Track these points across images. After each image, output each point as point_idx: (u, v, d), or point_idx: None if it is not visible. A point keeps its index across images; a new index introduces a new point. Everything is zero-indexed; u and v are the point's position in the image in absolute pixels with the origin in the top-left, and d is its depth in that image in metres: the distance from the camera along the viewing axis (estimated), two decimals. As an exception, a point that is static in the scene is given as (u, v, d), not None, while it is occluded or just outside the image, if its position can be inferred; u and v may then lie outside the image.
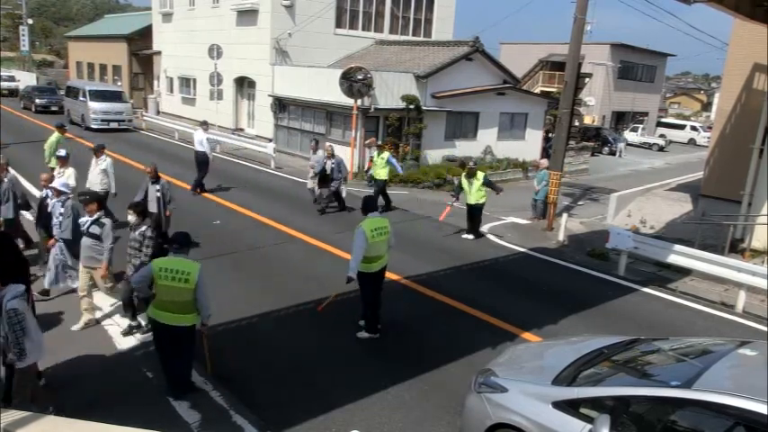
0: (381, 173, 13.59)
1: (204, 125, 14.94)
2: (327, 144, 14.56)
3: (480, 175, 11.84)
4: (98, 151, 10.66)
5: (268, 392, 5.90)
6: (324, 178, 13.28)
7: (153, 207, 9.28)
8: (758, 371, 4.24)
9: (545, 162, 14.93)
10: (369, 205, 7.15)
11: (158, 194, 9.37)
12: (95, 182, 10.45)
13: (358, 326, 7.30)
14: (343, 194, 13.62)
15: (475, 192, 11.82)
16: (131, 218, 6.65)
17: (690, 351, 4.89)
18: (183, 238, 5.65)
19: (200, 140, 14.38)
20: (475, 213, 12.04)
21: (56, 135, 12.54)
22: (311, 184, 13.74)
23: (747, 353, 4.50)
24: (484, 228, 12.97)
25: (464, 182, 11.98)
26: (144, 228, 6.66)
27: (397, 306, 8.29)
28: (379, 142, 15.51)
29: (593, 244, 12.08)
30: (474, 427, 4.72)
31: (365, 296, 7.17)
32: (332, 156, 13.36)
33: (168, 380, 5.72)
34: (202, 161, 14.46)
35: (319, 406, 5.66)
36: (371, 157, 16.99)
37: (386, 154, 13.77)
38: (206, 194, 14.40)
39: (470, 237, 12.02)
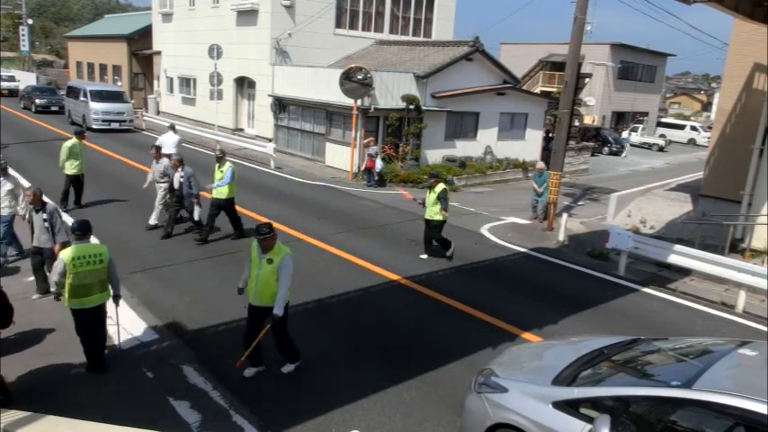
0: (222, 190, 10.41)
1: (172, 128, 14.47)
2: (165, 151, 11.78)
3: (438, 187, 10.17)
4: (4, 171, 8.90)
5: (268, 392, 5.90)
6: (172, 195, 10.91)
7: (44, 242, 7.46)
8: (758, 371, 4.24)
9: (542, 164, 15.02)
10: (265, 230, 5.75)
11: (46, 225, 7.42)
12: (3, 205, 8.76)
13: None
14: (196, 216, 10.75)
15: (430, 205, 10.23)
16: None
17: (690, 351, 4.89)
18: (85, 224, 5.96)
19: (173, 143, 13.96)
20: (431, 230, 10.35)
21: (72, 141, 11.94)
22: (160, 202, 11.15)
23: (747, 353, 4.50)
24: (483, 228, 12.98)
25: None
26: None
27: (397, 306, 8.32)
28: (219, 150, 10.96)
29: (593, 244, 12.08)
30: (474, 427, 4.72)
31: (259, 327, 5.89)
32: (180, 165, 10.57)
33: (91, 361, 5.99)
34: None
35: (319, 406, 5.66)
36: (369, 154, 17.05)
37: (227, 166, 10.45)
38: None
39: (424, 256, 10.37)
